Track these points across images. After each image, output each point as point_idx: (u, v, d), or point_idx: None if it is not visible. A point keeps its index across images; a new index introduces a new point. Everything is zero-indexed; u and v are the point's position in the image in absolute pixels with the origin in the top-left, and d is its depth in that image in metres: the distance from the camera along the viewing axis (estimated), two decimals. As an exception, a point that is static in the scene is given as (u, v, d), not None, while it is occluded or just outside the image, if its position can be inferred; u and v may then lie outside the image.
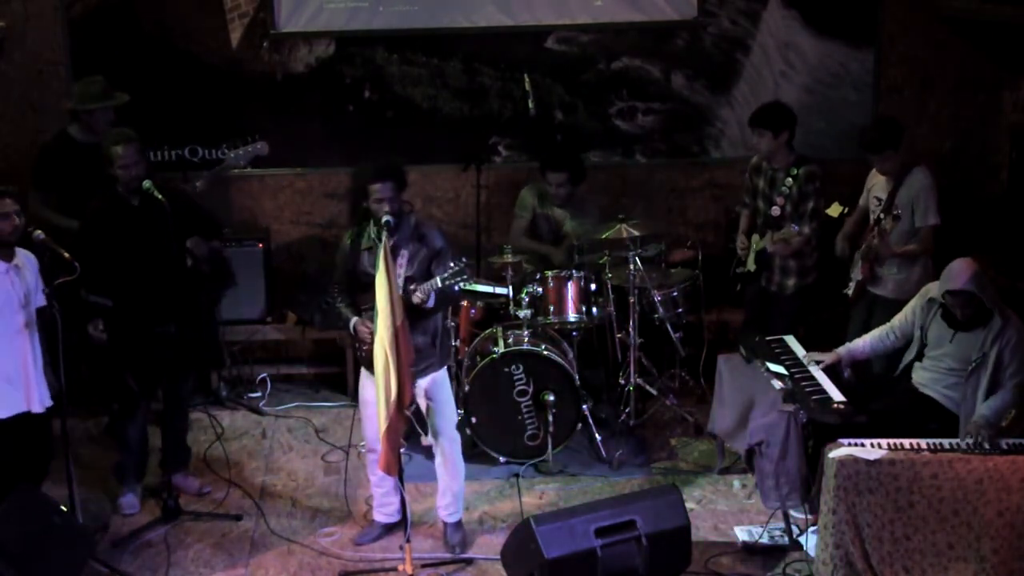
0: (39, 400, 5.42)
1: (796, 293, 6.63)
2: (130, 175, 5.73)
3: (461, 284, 5.35)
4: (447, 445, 5.72)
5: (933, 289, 5.69)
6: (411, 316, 5.33)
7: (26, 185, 6.24)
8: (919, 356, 5.79)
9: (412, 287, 5.37)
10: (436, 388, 5.66)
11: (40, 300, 5.38)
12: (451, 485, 5.76)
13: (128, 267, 5.78)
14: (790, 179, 6.49)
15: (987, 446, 5.21)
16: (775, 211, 6.56)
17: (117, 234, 5.78)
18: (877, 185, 6.44)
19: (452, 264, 5.36)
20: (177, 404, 6.17)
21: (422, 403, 5.69)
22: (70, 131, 6.58)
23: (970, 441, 5.25)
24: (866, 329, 6.21)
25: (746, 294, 6.90)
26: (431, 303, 5.39)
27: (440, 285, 5.33)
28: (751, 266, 6.74)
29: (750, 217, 6.82)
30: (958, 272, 5.43)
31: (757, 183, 6.71)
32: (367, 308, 5.42)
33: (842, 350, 5.93)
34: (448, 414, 5.72)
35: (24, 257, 5.40)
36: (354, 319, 5.56)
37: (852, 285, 6.51)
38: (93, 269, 5.52)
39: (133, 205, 5.80)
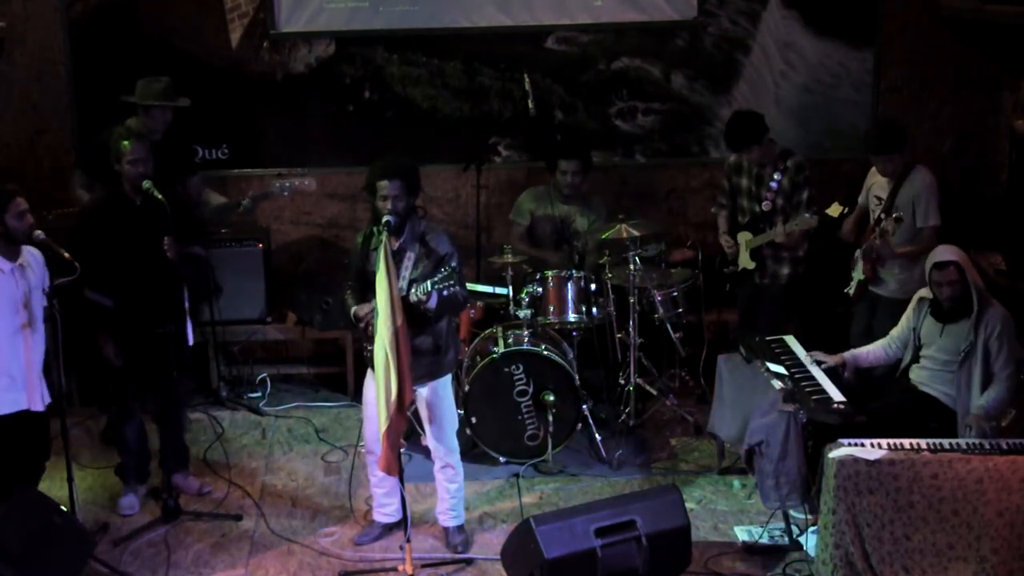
0: (40, 398, 5.44)
1: (788, 283, 6.69)
2: (137, 172, 5.71)
3: (451, 289, 5.27)
4: (446, 455, 5.69)
5: (923, 291, 5.76)
6: (413, 318, 5.32)
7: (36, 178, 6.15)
8: (915, 358, 5.82)
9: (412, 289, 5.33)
10: (436, 398, 5.61)
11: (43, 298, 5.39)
12: (450, 492, 5.74)
13: (128, 266, 5.77)
14: (778, 173, 6.53)
15: (987, 443, 5.22)
16: (766, 206, 6.60)
17: (118, 232, 5.77)
18: (877, 184, 6.45)
19: (443, 268, 5.30)
20: (175, 404, 6.16)
21: (422, 411, 5.68)
22: (128, 123, 6.42)
23: (973, 434, 5.27)
24: (870, 328, 6.23)
25: (738, 293, 6.92)
26: (432, 303, 5.33)
27: (429, 288, 5.26)
28: (747, 264, 6.75)
29: (729, 218, 6.85)
30: (944, 249, 5.64)
31: (739, 182, 6.74)
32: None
33: (848, 355, 5.96)
34: (447, 425, 5.67)
35: (30, 255, 5.39)
36: (355, 306, 5.52)
37: (853, 284, 6.51)
38: (92, 265, 5.51)
39: (136, 204, 5.79)
